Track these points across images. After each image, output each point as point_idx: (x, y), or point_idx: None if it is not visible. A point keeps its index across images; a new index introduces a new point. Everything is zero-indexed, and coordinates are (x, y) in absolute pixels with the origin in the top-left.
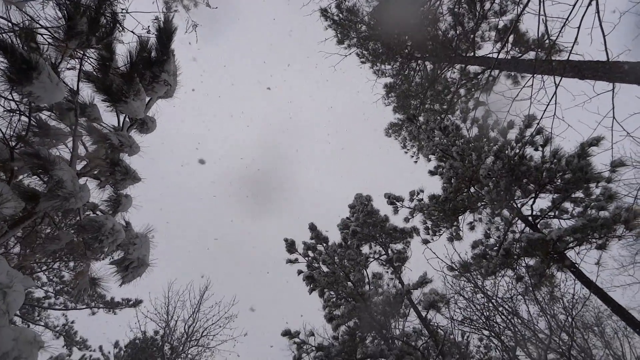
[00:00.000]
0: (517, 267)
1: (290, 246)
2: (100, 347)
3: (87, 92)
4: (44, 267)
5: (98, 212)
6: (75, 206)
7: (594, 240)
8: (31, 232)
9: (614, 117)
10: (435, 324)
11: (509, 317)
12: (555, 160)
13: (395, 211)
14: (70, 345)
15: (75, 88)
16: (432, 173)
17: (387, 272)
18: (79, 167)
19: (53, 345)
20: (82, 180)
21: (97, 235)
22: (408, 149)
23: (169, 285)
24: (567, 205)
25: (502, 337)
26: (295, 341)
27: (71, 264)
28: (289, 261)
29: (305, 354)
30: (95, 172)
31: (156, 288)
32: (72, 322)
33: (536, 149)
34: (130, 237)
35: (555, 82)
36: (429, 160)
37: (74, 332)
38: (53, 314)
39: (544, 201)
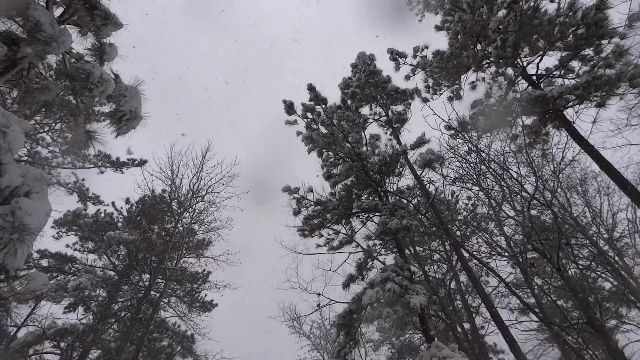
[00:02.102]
0: (514, 126)
1: (289, 108)
2: (113, 203)
3: None
4: (47, 128)
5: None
6: (57, 51)
7: (594, 98)
8: (19, 82)
9: None
10: (429, 180)
11: (499, 174)
12: (570, 13)
13: (397, 68)
14: (84, 200)
15: None
16: (438, 28)
17: (386, 133)
18: (57, 13)
19: (68, 200)
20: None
21: (86, 84)
22: (413, 6)
23: (171, 146)
24: (574, 64)
25: (491, 193)
26: (295, 197)
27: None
28: (288, 122)
29: (304, 208)
30: (75, 19)
31: (159, 151)
32: (83, 180)
33: (552, 0)
34: (120, 89)
35: None
36: (436, 13)
37: (85, 189)
38: (63, 172)
39: (550, 60)
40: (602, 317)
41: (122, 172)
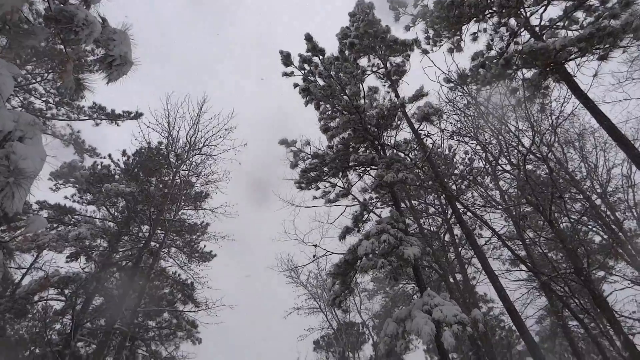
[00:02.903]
0: (514, 79)
1: (286, 59)
2: (110, 155)
3: None
4: (39, 79)
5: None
6: None
7: (596, 50)
8: (3, 28)
9: None
10: (427, 132)
11: (497, 128)
12: None
13: (397, 18)
14: (80, 152)
15: None
16: None
17: (384, 85)
18: None
19: (64, 152)
20: None
21: (71, 26)
22: None
23: (167, 97)
24: (579, 15)
25: (488, 148)
26: (292, 149)
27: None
28: (285, 74)
29: (302, 161)
30: None
31: (155, 103)
32: (78, 132)
33: None
34: (107, 33)
35: None
36: None
37: (81, 141)
38: (58, 124)
39: (555, 10)
40: (589, 268)
41: (118, 125)
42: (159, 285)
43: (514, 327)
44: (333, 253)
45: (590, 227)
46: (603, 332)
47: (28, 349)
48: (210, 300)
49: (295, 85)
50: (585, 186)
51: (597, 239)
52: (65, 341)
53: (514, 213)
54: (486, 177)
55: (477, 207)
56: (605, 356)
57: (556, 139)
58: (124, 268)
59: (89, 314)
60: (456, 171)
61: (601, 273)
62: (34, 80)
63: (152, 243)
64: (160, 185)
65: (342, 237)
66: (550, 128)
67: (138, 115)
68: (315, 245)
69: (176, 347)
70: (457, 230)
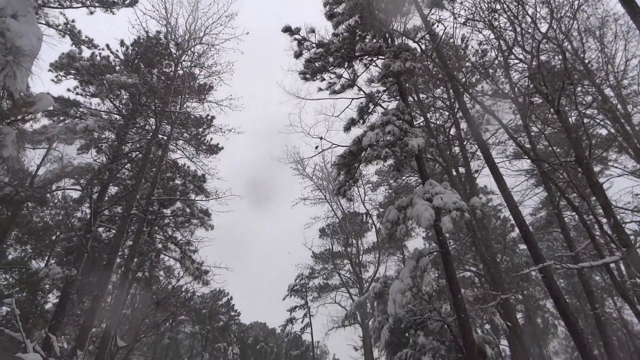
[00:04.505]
0: None
1: None
2: (108, 45)
3: None
4: None
5: None
6: None
7: None
8: None
9: None
10: (438, 18)
11: (514, 13)
12: None
13: None
14: (77, 44)
15: None
16: None
17: None
18: None
19: (62, 42)
20: None
21: None
22: None
23: None
24: None
25: (502, 34)
26: (296, 38)
27: None
28: None
29: (306, 50)
30: None
31: None
32: (73, 21)
33: None
34: None
35: None
36: None
37: (77, 31)
38: (51, 13)
39: None
40: (590, 157)
41: (113, 13)
42: (171, 177)
43: (509, 217)
44: (338, 146)
45: (597, 121)
46: (595, 217)
47: (54, 234)
48: (220, 190)
49: None
50: (599, 79)
51: (604, 132)
52: (87, 227)
53: (522, 102)
54: (498, 70)
55: (486, 98)
56: (595, 242)
57: (575, 26)
58: (134, 160)
59: (106, 202)
60: (467, 64)
61: (599, 168)
62: None
63: (160, 135)
64: (163, 78)
65: (347, 128)
66: (569, 12)
67: (134, 2)
68: (321, 138)
69: (191, 233)
70: (463, 124)
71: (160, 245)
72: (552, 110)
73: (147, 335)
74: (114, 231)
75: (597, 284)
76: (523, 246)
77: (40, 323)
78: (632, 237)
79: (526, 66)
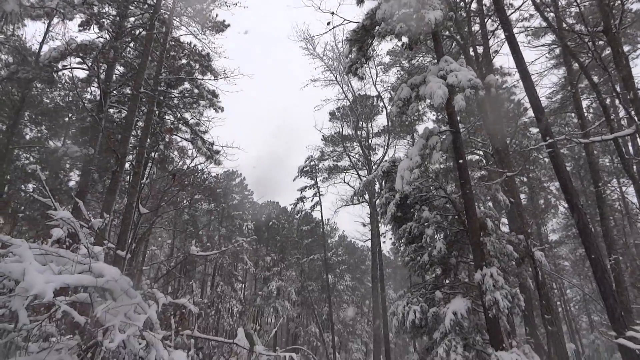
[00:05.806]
0: None
1: None
2: None
3: None
4: None
5: None
6: None
7: None
8: None
9: None
10: None
11: None
12: None
13: None
14: None
15: None
16: None
17: None
18: None
19: None
20: None
21: None
22: None
23: None
24: None
25: None
26: None
27: None
28: None
29: None
30: None
31: None
32: None
33: None
34: None
35: None
36: None
37: None
38: None
39: None
40: (619, 27)
41: None
42: (176, 56)
43: (522, 101)
44: (351, 22)
45: None
46: (614, 89)
47: (67, 115)
48: (228, 69)
49: None
50: None
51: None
52: (98, 107)
53: None
54: None
55: None
56: (610, 121)
57: None
58: (138, 38)
59: (114, 83)
60: None
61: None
62: None
63: (162, 10)
64: None
65: (360, 1)
66: None
67: None
68: (332, 13)
69: (200, 114)
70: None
71: (171, 127)
72: None
73: (167, 206)
74: (124, 112)
75: (604, 168)
76: (535, 129)
77: (65, 199)
78: None
79: None
